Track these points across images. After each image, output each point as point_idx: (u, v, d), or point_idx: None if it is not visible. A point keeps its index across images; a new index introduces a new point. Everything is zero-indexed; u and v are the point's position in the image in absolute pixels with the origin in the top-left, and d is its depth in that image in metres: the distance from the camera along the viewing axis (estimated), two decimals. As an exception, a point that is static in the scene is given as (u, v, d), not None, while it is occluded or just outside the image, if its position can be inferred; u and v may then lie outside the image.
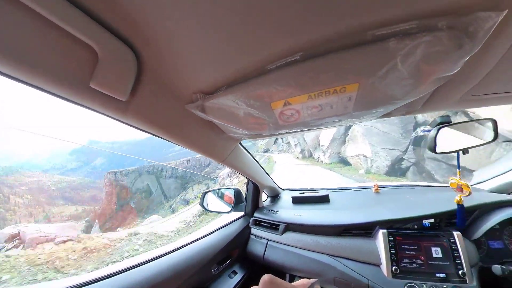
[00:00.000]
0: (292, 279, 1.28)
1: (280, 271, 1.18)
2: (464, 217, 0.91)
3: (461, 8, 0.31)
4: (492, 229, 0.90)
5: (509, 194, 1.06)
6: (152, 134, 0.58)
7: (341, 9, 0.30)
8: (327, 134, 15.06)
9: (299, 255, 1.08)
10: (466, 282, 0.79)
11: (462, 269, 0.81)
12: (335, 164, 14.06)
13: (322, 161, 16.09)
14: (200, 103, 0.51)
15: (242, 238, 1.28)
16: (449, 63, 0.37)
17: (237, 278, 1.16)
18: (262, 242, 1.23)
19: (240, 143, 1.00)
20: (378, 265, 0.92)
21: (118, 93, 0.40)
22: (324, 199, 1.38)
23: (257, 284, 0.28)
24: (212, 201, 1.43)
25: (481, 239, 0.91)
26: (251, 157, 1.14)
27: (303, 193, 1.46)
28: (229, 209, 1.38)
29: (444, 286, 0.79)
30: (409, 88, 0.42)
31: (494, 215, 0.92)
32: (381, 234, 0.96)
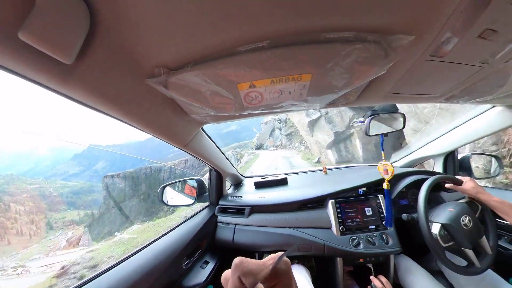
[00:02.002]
0: (261, 257, 1.39)
1: (250, 252, 1.28)
2: (390, 199, 1.10)
3: (388, 30, 0.43)
4: (401, 192, 1.24)
5: (412, 168, 1.50)
6: (103, 112, 0.50)
7: (301, 9, 0.37)
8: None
9: (266, 233, 1.19)
10: (387, 229, 1.10)
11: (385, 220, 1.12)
12: None
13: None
14: (163, 78, 0.47)
15: (209, 227, 1.30)
16: (376, 66, 0.50)
17: (210, 267, 1.17)
18: (230, 228, 1.28)
19: (203, 129, 0.98)
20: (329, 228, 1.14)
21: (60, 53, 0.31)
22: (283, 182, 1.54)
23: (230, 268, 0.27)
24: (173, 195, 1.36)
25: (395, 199, 1.24)
26: (213, 143, 1.15)
27: (264, 178, 1.59)
28: (192, 201, 1.35)
29: (375, 234, 1.09)
30: (346, 81, 0.54)
31: (402, 182, 1.27)
32: (330, 203, 1.19)
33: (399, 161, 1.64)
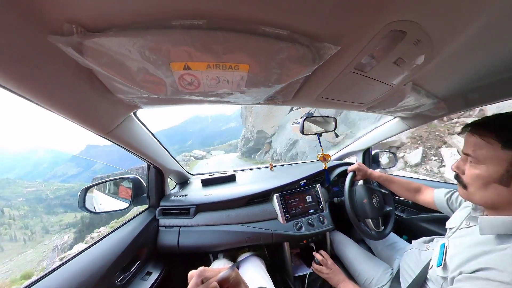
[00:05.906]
0: (215, 257, 1.33)
1: (198, 254, 1.21)
2: (328, 177, 1.44)
3: (318, 37, 0.48)
4: (333, 180, 1.48)
5: (342, 160, 1.83)
6: None
7: None
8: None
9: (213, 232, 1.14)
10: (323, 211, 1.28)
11: (322, 204, 1.30)
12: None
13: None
14: (76, 39, 0.37)
15: (149, 233, 1.13)
16: (304, 67, 0.54)
17: (153, 277, 1.03)
18: (174, 231, 1.16)
19: (136, 115, 0.83)
20: (276, 218, 1.22)
21: None
22: (232, 179, 1.53)
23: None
24: (101, 199, 1.12)
25: (329, 186, 1.45)
26: (150, 134, 0.99)
27: (212, 175, 1.54)
28: (126, 204, 1.14)
29: (313, 216, 1.25)
30: (277, 76, 0.58)
31: (334, 172, 1.51)
32: (275, 197, 1.27)
33: (332, 156, 1.94)
